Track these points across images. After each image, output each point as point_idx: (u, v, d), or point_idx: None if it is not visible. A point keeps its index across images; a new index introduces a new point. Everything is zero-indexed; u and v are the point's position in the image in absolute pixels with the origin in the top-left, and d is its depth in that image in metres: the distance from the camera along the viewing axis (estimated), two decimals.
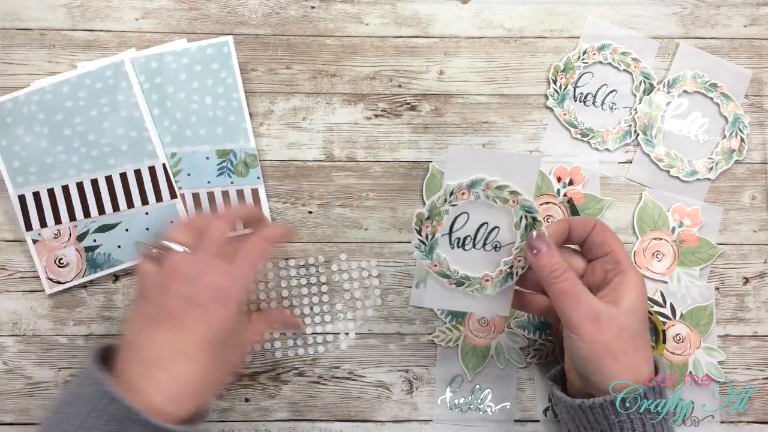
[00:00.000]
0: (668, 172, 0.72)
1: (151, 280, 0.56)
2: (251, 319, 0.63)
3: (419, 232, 0.58)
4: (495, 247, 0.59)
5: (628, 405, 0.54)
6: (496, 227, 0.58)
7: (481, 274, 0.59)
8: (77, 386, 0.53)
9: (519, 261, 0.58)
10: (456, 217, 0.58)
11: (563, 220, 0.63)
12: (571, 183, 0.72)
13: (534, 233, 0.57)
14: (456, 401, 0.70)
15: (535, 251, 0.57)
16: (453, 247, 0.59)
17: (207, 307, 0.54)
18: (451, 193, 0.57)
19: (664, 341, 0.61)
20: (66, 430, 0.50)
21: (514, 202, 0.57)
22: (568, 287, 0.56)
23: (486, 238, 0.59)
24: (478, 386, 0.70)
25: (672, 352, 0.70)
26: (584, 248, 0.61)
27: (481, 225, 0.58)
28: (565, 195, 0.63)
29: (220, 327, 0.55)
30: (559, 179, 0.72)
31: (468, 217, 0.58)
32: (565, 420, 0.60)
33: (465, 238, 0.59)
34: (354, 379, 0.71)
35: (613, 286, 0.57)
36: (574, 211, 0.60)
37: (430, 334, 0.71)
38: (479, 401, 0.70)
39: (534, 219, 0.57)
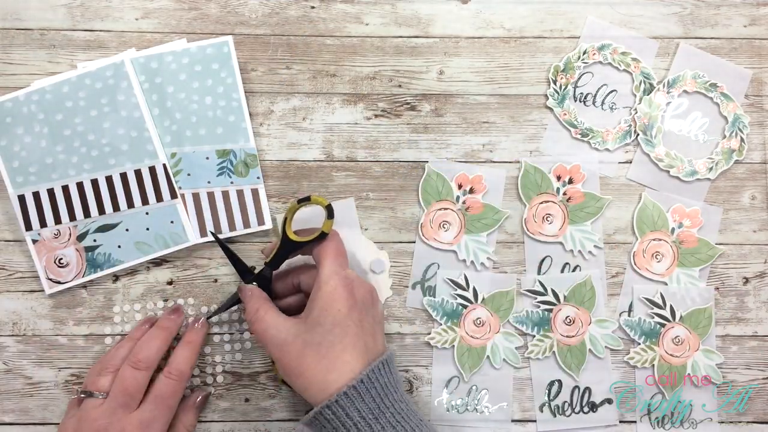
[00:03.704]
0: (668, 172, 0.72)
1: (68, 423, 0.62)
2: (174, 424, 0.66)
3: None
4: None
5: (329, 415, 0.56)
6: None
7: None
8: None
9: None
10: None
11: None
12: (570, 181, 0.72)
13: (239, 287, 0.64)
14: (453, 402, 0.70)
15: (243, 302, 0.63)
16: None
17: None
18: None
19: (330, 217, 0.62)
20: None
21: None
22: (258, 325, 0.60)
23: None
24: (474, 387, 0.70)
25: (671, 354, 0.70)
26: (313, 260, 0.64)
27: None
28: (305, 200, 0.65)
29: None
30: (558, 178, 0.72)
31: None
32: None
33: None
34: None
35: (310, 299, 0.60)
36: (330, 214, 0.62)
37: (427, 334, 0.71)
38: (476, 402, 0.70)
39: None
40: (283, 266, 0.66)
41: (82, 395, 0.62)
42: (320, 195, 0.64)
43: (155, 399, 0.61)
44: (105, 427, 0.60)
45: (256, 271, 0.65)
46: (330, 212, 0.62)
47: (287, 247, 0.64)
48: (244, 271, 0.65)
